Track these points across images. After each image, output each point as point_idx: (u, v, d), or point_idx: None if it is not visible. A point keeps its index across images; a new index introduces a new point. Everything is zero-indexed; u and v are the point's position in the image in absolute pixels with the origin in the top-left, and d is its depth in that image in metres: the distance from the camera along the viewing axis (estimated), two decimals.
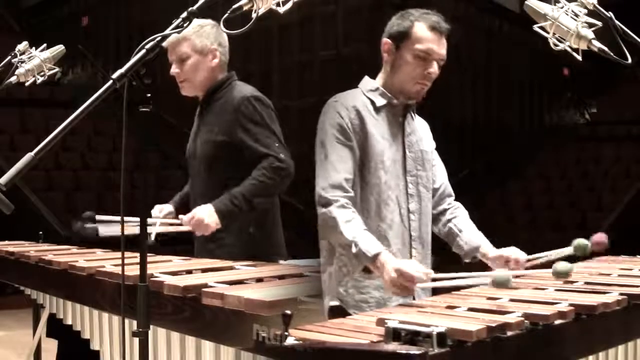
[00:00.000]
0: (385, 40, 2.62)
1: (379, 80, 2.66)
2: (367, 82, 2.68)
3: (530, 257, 2.61)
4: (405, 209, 2.60)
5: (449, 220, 2.76)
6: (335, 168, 2.47)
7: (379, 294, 2.52)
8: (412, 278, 2.24)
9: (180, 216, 3.13)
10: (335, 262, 2.57)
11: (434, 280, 2.31)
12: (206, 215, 3.03)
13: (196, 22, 3.10)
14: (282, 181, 3.08)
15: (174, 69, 3.23)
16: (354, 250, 2.35)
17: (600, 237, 2.61)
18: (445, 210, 2.79)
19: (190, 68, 3.20)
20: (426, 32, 2.55)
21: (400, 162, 2.62)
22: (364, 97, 2.62)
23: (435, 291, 2.46)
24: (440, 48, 2.57)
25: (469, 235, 2.71)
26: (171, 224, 3.18)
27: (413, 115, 2.71)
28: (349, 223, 2.39)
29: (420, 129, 2.75)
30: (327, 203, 2.43)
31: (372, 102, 2.61)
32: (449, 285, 2.32)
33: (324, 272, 2.61)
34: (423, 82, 2.59)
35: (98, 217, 3.17)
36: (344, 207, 2.42)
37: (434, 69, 2.57)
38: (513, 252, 2.60)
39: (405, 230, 2.60)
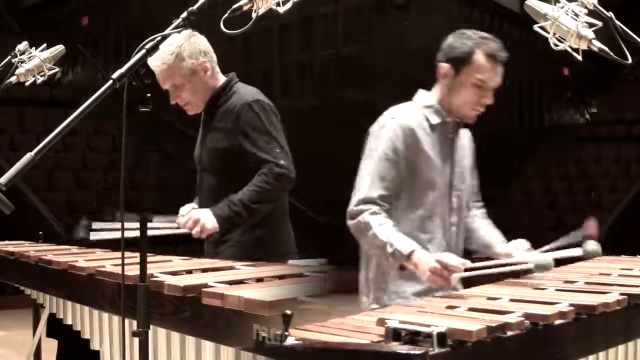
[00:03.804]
0: (443, 65, 2.66)
1: (434, 96, 2.71)
2: (423, 97, 2.73)
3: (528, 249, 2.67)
4: (447, 222, 2.71)
5: (466, 217, 2.88)
6: (373, 184, 2.56)
7: (417, 298, 2.59)
8: (452, 267, 2.37)
9: (178, 219, 3.10)
10: (374, 267, 2.67)
11: (468, 270, 2.42)
12: (203, 216, 3.03)
13: (173, 43, 3.04)
14: (283, 187, 3.06)
15: (173, 100, 3.18)
16: (389, 250, 2.46)
17: (592, 226, 2.68)
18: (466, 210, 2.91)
19: (189, 93, 3.16)
20: (486, 62, 2.61)
21: (447, 178, 2.71)
22: (419, 114, 2.68)
23: (470, 282, 2.54)
24: (497, 77, 2.64)
25: (482, 233, 2.85)
26: (168, 227, 3.14)
27: (460, 131, 2.78)
28: (382, 226, 2.49)
29: (466, 144, 2.84)
30: (359, 212, 2.54)
31: (427, 120, 2.67)
32: (484, 273, 2.45)
33: (360, 274, 2.75)
34: (478, 109, 2.66)
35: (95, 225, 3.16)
36: (375, 213, 2.52)
37: (490, 97, 2.65)
38: (516, 246, 2.67)
39: (445, 241, 2.71)
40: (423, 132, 2.65)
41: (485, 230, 2.87)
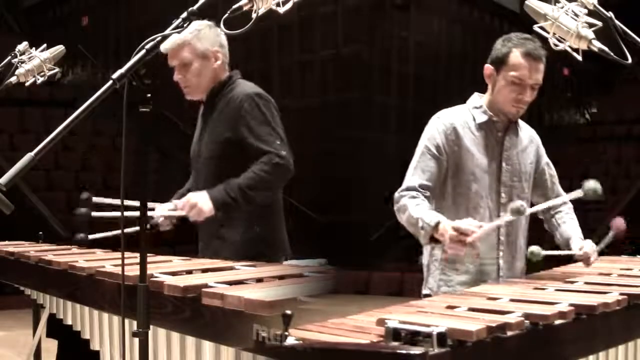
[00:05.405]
0: (487, 66, 2.86)
1: (484, 99, 2.90)
2: (474, 100, 2.93)
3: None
4: (496, 216, 2.83)
5: (552, 216, 3.05)
6: (414, 175, 2.80)
7: (462, 287, 2.75)
8: (467, 231, 2.50)
9: (175, 201, 3.11)
10: (427, 254, 2.92)
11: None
12: (200, 200, 3.03)
13: (194, 25, 3.09)
14: (281, 177, 3.07)
15: (177, 76, 3.20)
16: (420, 224, 2.64)
17: (620, 222, 2.98)
18: (553, 208, 3.07)
19: (194, 74, 3.18)
20: (520, 60, 2.77)
21: (494, 174, 2.86)
22: (467, 113, 2.89)
23: None
24: (533, 74, 2.77)
25: (564, 228, 2.99)
26: (169, 210, 3.12)
27: (517, 131, 2.92)
28: (418, 205, 2.71)
29: (525, 143, 2.95)
30: (400, 198, 2.77)
31: (474, 119, 2.86)
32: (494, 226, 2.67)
33: (423, 264, 2.98)
34: (518, 106, 2.82)
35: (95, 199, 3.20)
36: (414, 197, 2.75)
37: (528, 94, 2.80)
38: (585, 246, 2.83)
39: (494, 234, 2.83)
40: (467, 130, 2.84)
41: (565, 226, 3.00)
